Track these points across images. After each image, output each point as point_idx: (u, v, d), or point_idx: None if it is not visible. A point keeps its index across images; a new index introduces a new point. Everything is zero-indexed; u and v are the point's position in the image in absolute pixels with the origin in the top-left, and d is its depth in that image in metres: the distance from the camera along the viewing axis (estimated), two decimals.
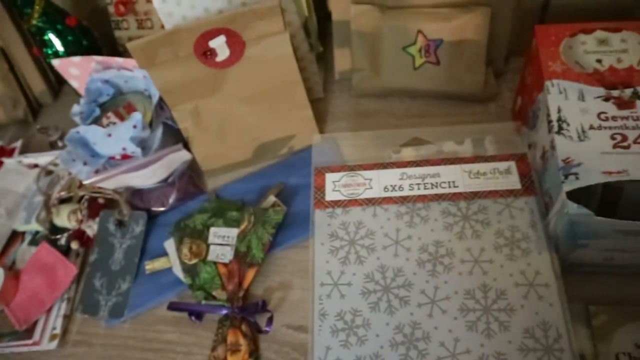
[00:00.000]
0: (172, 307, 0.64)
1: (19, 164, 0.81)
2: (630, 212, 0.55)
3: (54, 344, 0.66)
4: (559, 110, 0.54)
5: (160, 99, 0.70)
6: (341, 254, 0.54)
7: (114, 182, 0.69)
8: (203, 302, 0.63)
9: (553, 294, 0.50)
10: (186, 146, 0.71)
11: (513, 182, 0.56)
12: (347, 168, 0.59)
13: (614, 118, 0.53)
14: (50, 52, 0.81)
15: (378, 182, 0.57)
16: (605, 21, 0.59)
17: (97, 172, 0.69)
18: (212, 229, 0.67)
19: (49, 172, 0.80)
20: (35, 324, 0.67)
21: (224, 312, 0.62)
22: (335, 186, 0.58)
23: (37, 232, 0.75)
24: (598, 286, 0.56)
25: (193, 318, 0.64)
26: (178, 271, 0.66)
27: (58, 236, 0.72)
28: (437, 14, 0.67)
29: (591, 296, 0.55)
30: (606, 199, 0.57)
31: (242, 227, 0.66)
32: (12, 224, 0.76)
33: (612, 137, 0.51)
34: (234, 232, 0.66)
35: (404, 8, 0.68)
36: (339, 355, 0.49)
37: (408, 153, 0.63)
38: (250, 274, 0.63)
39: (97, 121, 0.71)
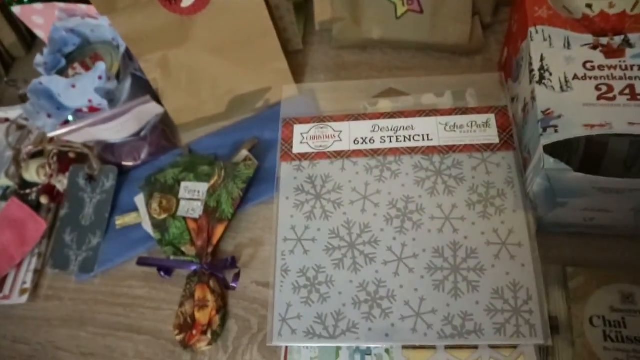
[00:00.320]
0: (142, 262, 0.63)
1: None
2: (614, 171, 0.53)
3: (24, 298, 0.66)
4: (542, 59, 0.50)
5: (128, 50, 0.67)
6: (306, 209, 0.52)
7: (81, 135, 0.67)
8: (172, 257, 0.62)
9: (526, 254, 0.47)
10: (157, 99, 0.68)
11: (491, 135, 0.53)
12: (317, 119, 0.56)
13: (600, 67, 0.49)
14: None
15: (348, 134, 0.55)
16: None
17: (65, 125, 0.67)
18: (183, 184, 0.65)
19: (21, 127, 0.78)
20: (5, 278, 0.67)
21: (193, 268, 0.60)
22: (303, 138, 0.55)
23: (7, 187, 0.73)
24: (576, 248, 0.54)
25: (162, 273, 0.62)
26: (148, 226, 0.64)
27: (27, 191, 0.70)
28: None
29: (569, 258, 0.53)
30: (589, 156, 0.54)
31: (212, 181, 0.63)
32: None
33: (597, 88, 0.48)
34: (204, 186, 0.64)
35: None
36: (300, 312, 0.48)
37: (384, 105, 0.59)
38: (219, 229, 0.62)
39: (62, 72, 0.68)
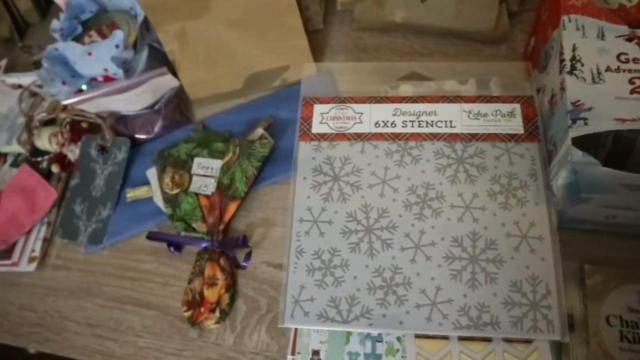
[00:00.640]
0: (151, 236, 0.62)
1: (2, 83, 0.78)
2: None
3: (32, 266, 0.65)
4: (574, 49, 0.48)
5: (146, 20, 0.65)
6: (324, 190, 0.51)
7: (95, 105, 0.66)
8: (183, 233, 0.61)
9: (547, 248, 0.46)
10: (173, 72, 0.67)
11: (516, 126, 0.52)
12: (338, 100, 0.55)
13: (635, 60, 0.47)
14: None
15: (369, 117, 0.53)
16: None
17: (78, 93, 0.66)
18: (196, 160, 0.64)
19: (33, 94, 0.77)
20: (14, 245, 0.66)
21: (203, 245, 0.60)
22: (323, 118, 0.54)
23: (19, 154, 0.73)
24: (595, 245, 0.53)
25: (172, 249, 0.62)
26: (159, 200, 0.64)
27: (39, 159, 0.69)
28: None
29: (587, 255, 0.52)
30: (616, 151, 0.52)
31: (227, 158, 0.62)
32: None
33: (631, 82, 0.46)
34: (217, 163, 0.63)
35: None
36: (313, 294, 0.47)
37: (406, 89, 0.58)
38: (232, 207, 0.61)
39: (78, 40, 0.67)
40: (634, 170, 0.43)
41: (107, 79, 0.65)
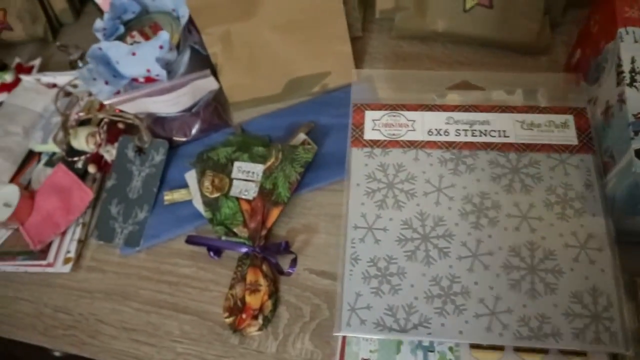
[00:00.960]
0: (191, 240, 0.61)
1: (37, 82, 0.77)
2: None
3: (67, 268, 0.64)
4: (633, 61, 0.48)
5: (189, 22, 0.65)
6: (378, 197, 0.50)
7: (135, 105, 0.65)
8: (223, 238, 0.60)
9: (606, 259, 0.46)
10: (214, 75, 0.67)
11: (570, 137, 0.51)
12: (389, 107, 0.55)
13: None
14: None
15: (422, 125, 0.53)
16: None
17: (117, 94, 0.65)
18: (237, 164, 0.64)
19: (68, 94, 0.77)
20: (49, 246, 0.65)
21: (245, 250, 0.59)
22: (375, 125, 0.54)
23: (53, 154, 0.72)
24: None
25: (211, 254, 0.61)
26: (198, 204, 0.63)
27: (75, 159, 0.68)
28: None
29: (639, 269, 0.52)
30: None
31: (269, 163, 0.62)
32: (29, 143, 0.73)
33: None
34: (259, 168, 0.62)
35: None
36: (370, 302, 0.46)
37: (453, 98, 0.58)
38: (274, 212, 0.60)
39: (120, 40, 0.66)
40: None
41: (148, 80, 0.65)
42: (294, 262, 0.57)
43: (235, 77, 0.67)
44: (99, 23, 0.65)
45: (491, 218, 0.48)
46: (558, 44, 0.69)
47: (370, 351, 0.49)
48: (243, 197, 0.62)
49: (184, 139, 0.69)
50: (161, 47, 0.62)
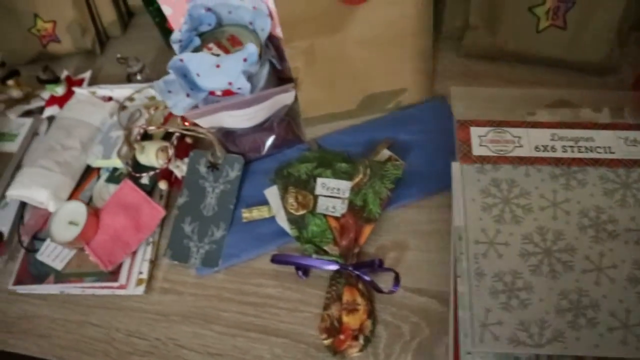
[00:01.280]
0: (278, 259, 0.59)
1: (91, 95, 0.74)
2: None
3: (141, 289, 0.61)
4: None
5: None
6: (495, 212, 0.50)
7: (210, 120, 0.63)
8: (314, 256, 0.58)
9: None
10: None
11: None
12: (493, 123, 0.55)
13: None
14: None
15: (528, 141, 0.53)
16: None
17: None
18: (320, 180, 0.62)
19: (123, 107, 0.74)
20: (120, 266, 0.62)
21: (337, 268, 0.57)
22: (481, 141, 0.54)
23: (115, 169, 0.68)
24: None
25: (300, 273, 0.59)
26: (282, 221, 0.61)
27: (141, 174, 0.65)
28: None
29: None
30: None
31: (357, 179, 0.61)
32: (87, 158, 0.69)
33: None
34: (345, 184, 0.61)
35: None
36: (500, 318, 0.45)
37: (542, 115, 0.58)
38: (366, 230, 0.59)
39: (197, 52, 0.64)
40: None
41: (226, 94, 0.63)
42: (397, 280, 0.55)
43: (313, 92, 0.66)
44: (176, 34, 0.63)
45: (610, 231, 0.48)
46: (624, 64, 0.71)
47: None
48: (330, 214, 0.60)
49: (256, 155, 0.67)
50: (245, 60, 0.60)
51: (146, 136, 0.69)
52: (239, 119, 0.64)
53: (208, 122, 0.64)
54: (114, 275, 0.61)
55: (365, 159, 0.62)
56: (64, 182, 0.67)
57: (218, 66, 0.60)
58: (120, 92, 0.73)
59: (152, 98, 0.72)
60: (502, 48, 0.70)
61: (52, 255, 0.64)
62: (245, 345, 0.57)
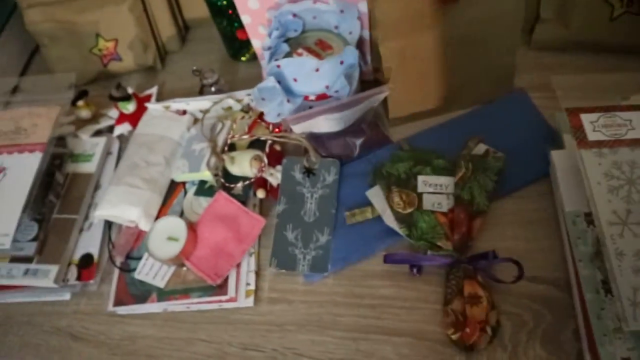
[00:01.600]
0: (391, 259, 0.58)
1: (165, 109, 0.73)
2: None
3: (250, 301, 0.60)
4: None
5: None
6: (622, 194, 0.50)
7: (306, 125, 0.63)
8: (429, 252, 0.58)
9: None
10: None
11: None
12: (601, 109, 0.56)
13: None
14: None
15: (639, 123, 0.54)
16: None
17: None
18: (421, 177, 0.62)
19: (195, 120, 0.73)
20: (226, 280, 0.60)
21: (451, 262, 0.57)
22: (594, 127, 0.55)
23: (203, 182, 0.67)
24: None
25: (414, 270, 0.58)
26: (390, 221, 0.60)
27: (236, 185, 0.64)
28: None
29: None
30: None
31: (460, 174, 0.61)
32: (171, 173, 0.68)
33: None
34: (448, 180, 0.61)
35: None
36: None
37: (637, 100, 0.60)
38: (477, 223, 0.59)
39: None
40: None
41: (320, 98, 0.63)
42: (521, 270, 0.55)
43: (402, 92, 0.66)
44: (267, 41, 0.63)
45: None
46: None
47: (628, 349, 0.48)
48: (437, 210, 0.60)
49: (349, 157, 0.67)
50: (342, 63, 0.60)
51: (231, 147, 0.68)
52: (334, 122, 0.63)
53: (302, 127, 0.63)
54: (221, 288, 0.59)
55: (466, 153, 0.63)
56: (153, 198, 0.66)
57: (317, 70, 0.60)
58: (196, 104, 0.72)
59: (229, 108, 0.72)
60: (574, 38, 0.72)
61: (150, 273, 0.62)
62: (368, 348, 0.56)
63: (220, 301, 0.59)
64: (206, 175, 0.66)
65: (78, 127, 0.75)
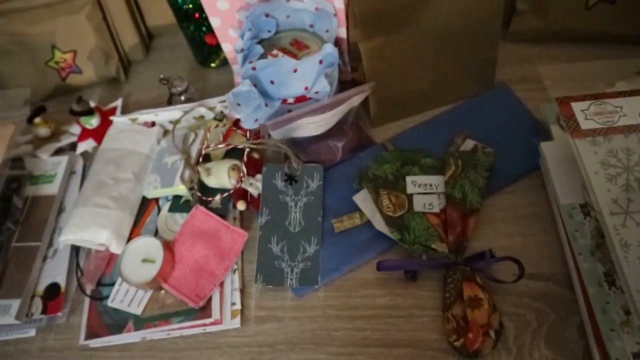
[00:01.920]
0: (385, 266, 0.55)
1: (132, 122, 0.68)
2: None
3: (237, 322, 0.55)
4: None
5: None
6: (620, 182, 0.49)
7: (286, 130, 0.59)
8: (424, 256, 0.55)
9: None
10: None
11: None
12: (590, 97, 0.54)
13: None
14: None
15: (630, 110, 0.53)
16: None
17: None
18: (409, 178, 0.59)
19: (166, 132, 0.68)
20: (209, 300, 0.56)
21: (449, 265, 0.54)
22: (586, 115, 0.53)
23: (176, 197, 0.62)
24: None
25: (410, 276, 0.55)
26: (381, 226, 0.57)
27: (214, 198, 0.60)
28: None
29: None
30: None
31: (450, 172, 0.58)
32: (142, 190, 0.63)
33: None
34: (437, 179, 0.59)
35: None
36: None
37: (622, 87, 0.59)
38: (472, 221, 0.56)
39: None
40: None
41: (299, 100, 0.60)
42: (521, 269, 0.53)
43: (383, 91, 0.63)
44: (239, 44, 0.59)
45: None
46: None
47: (638, 343, 0.46)
48: (429, 211, 0.57)
49: (332, 162, 0.63)
50: (321, 62, 0.57)
51: (206, 158, 0.64)
52: (315, 126, 0.60)
53: (282, 132, 0.60)
54: (204, 311, 0.55)
55: (454, 150, 0.60)
56: (123, 218, 0.60)
57: (295, 71, 0.56)
58: (166, 115, 0.67)
59: (201, 117, 0.67)
60: (551, 29, 0.71)
61: (125, 299, 0.57)
62: None
63: (204, 325, 0.54)
64: (181, 189, 0.61)
65: (37, 146, 0.70)
